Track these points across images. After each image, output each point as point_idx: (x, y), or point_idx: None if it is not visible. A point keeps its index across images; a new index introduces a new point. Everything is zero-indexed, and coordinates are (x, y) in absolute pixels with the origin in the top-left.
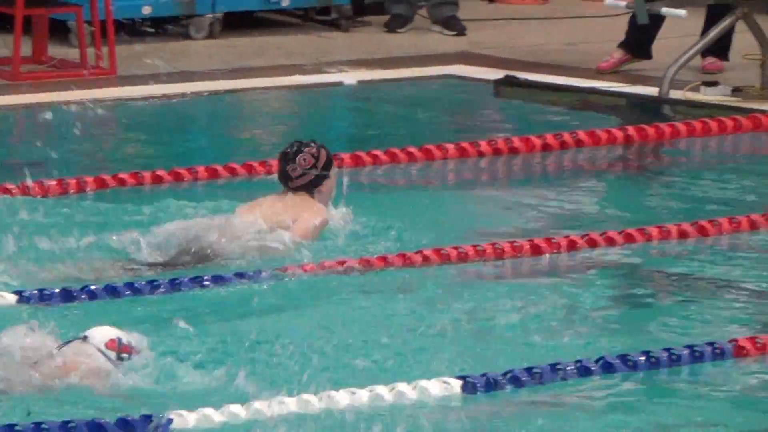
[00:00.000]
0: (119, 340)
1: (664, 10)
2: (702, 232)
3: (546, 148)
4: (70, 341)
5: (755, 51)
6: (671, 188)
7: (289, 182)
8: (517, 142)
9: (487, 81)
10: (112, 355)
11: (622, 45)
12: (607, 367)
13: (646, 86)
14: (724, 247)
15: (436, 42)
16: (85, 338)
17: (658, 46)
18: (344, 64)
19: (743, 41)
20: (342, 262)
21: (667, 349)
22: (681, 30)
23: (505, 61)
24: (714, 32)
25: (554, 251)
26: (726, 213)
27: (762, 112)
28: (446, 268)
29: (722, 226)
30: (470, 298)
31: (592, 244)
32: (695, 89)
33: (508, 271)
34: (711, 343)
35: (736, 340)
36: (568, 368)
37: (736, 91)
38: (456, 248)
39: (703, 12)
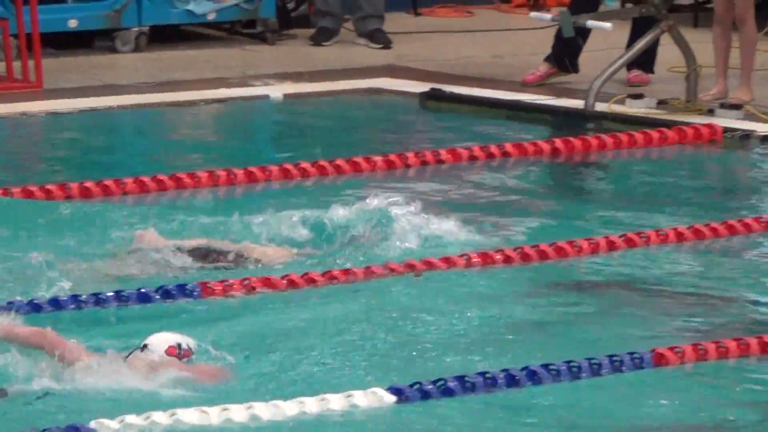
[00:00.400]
0: (179, 345)
1: (590, 22)
2: (630, 243)
3: (472, 159)
4: (130, 352)
5: (680, 64)
6: (598, 201)
7: None
8: (443, 154)
9: (413, 94)
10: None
11: (549, 58)
12: (532, 376)
13: (572, 99)
14: (652, 259)
15: (362, 55)
16: (144, 347)
17: (584, 59)
18: (270, 78)
19: (668, 54)
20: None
21: (589, 359)
22: (607, 43)
23: (431, 74)
24: (639, 45)
25: (488, 264)
26: (652, 225)
27: (687, 124)
28: (373, 282)
29: (650, 238)
30: (399, 310)
31: (525, 258)
32: (621, 102)
33: (437, 284)
34: (631, 353)
35: (655, 350)
36: (498, 377)
37: (661, 103)
38: (384, 265)
39: (628, 25)
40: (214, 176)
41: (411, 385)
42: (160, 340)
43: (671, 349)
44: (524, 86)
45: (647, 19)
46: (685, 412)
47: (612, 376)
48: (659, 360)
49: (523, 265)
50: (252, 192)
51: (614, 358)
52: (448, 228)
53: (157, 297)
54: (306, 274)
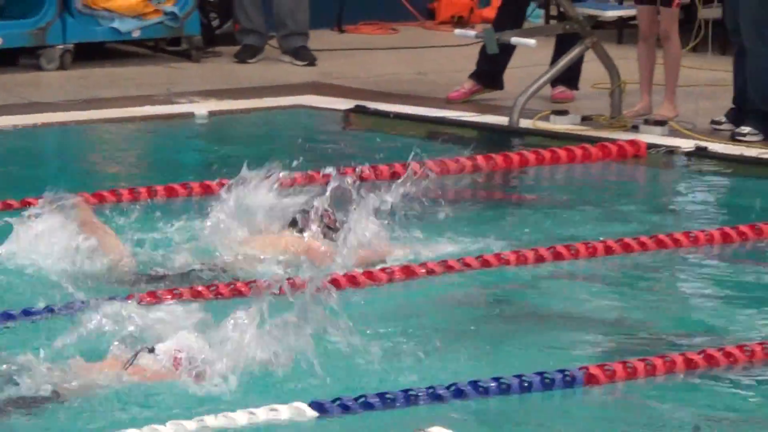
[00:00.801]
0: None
1: (514, 39)
2: (558, 257)
3: (395, 177)
4: (136, 353)
5: (604, 80)
6: (524, 216)
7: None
8: (366, 171)
9: (338, 111)
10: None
11: (473, 75)
12: (459, 394)
13: (497, 115)
14: (581, 273)
15: (286, 72)
16: (152, 350)
17: (508, 76)
18: (195, 95)
19: (592, 70)
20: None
21: (518, 376)
22: (531, 59)
23: (355, 91)
24: (563, 61)
25: (411, 277)
26: (580, 239)
27: (611, 141)
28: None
29: (579, 251)
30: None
31: (449, 268)
32: (545, 118)
33: (358, 299)
34: (562, 370)
35: (586, 368)
36: (420, 394)
37: (585, 120)
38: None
39: (552, 41)
40: (134, 192)
41: (333, 401)
42: (168, 347)
43: (601, 366)
44: (449, 103)
45: (571, 35)
46: (615, 430)
47: (541, 393)
48: (590, 379)
49: (447, 279)
50: (173, 208)
51: (545, 376)
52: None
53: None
54: (232, 284)
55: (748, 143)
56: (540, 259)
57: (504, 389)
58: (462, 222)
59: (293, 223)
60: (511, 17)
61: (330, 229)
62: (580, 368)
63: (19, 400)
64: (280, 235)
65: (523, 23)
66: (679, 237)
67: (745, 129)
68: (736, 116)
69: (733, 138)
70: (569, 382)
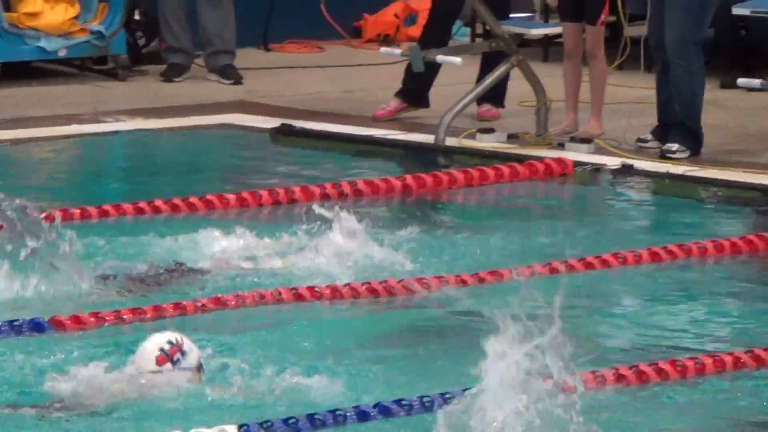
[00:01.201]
0: (162, 350)
1: (440, 57)
2: (481, 281)
3: (325, 197)
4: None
5: (530, 98)
6: (449, 237)
7: None
8: (297, 191)
9: (264, 129)
10: (168, 367)
11: (399, 93)
12: (385, 411)
13: (423, 134)
14: (503, 295)
15: (213, 91)
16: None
17: (434, 94)
18: (121, 114)
19: (519, 88)
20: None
21: (443, 394)
22: (457, 77)
23: (282, 110)
24: (489, 79)
25: (336, 298)
26: (503, 263)
27: (538, 158)
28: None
29: (503, 276)
30: (246, 344)
31: (373, 292)
32: (471, 136)
33: (283, 317)
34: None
35: None
36: (348, 413)
37: (511, 137)
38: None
39: (478, 59)
40: (67, 213)
41: (260, 424)
42: (146, 356)
43: None
44: (375, 121)
45: (497, 53)
46: None
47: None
48: None
49: (371, 301)
50: (104, 228)
51: (446, 395)
52: (303, 263)
53: None
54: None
55: (677, 160)
56: (463, 283)
57: (428, 407)
58: (383, 245)
59: None
60: (436, 35)
61: None
62: None
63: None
64: None
65: (448, 41)
66: (608, 258)
67: (674, 146)
68: (662, 133)
69: (663, 155)
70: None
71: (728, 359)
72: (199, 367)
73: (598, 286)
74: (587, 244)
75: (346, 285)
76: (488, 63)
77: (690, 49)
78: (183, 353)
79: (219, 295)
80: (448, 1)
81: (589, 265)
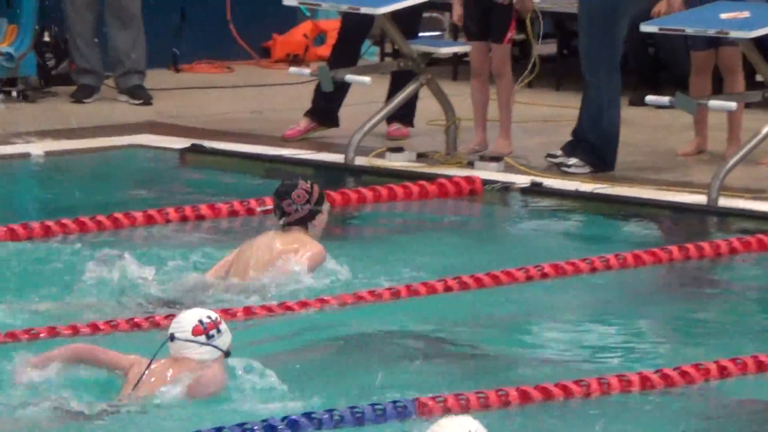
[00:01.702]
0: (201, 322)
1: (349, 77)
2: (396, 295)
3: (233, 214)
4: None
5: (440, 117)
6: (363, 256)
7: (285, 217)
8: (204, 209)
9: (175, 150)
10: (202, 339)
11: (309, 113)
12: (293, 425)
13: (333, 153)
14: (419, 310)
15: (123, 111)
16: (172, 337)
17: (344, 113)
18: (31, 135)
19: (428, 107)
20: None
21: (351, 408)
22: (366, 97)
23: (192, 130)
24: (398, 99)
25: (249, 316)
26: (416, 278)
27: (447, 177)
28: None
29: (418, 291)
30: None
31: (288, 309)
32: (381, 155)
33: None
34: (394, 401)
35: (418, 399)
36: (255, 428)
37: (421, 156)
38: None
39: (387, 79)
40: None
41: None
42: (184, 324)
43: (434, 398)
44: (285, 141)
45: (406, 72)
46: None
47: (374, 425)
48: (422, 409)
49: (286, 318)
50: (16, 249)
51: (376, 407)
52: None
53: None
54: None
55: (573, 175)
56: (378, 297)
57: (338, 420)
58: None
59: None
60: (346, 55)
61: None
62: (414, 399)
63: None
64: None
65: (357, 61)
66: (514, 272)
67: (572, 160)
68: (571, 149)
69: (560, 169)
70: (402, 412)
71: (635, 378)
72: (227, 353)
73: (505, 301)
74: (495, 260)
75: (262, 306)
76: (397, 82)
77: (598, 66)
78: (219, 331)
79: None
80: (357, 21)
81: (495, 279)
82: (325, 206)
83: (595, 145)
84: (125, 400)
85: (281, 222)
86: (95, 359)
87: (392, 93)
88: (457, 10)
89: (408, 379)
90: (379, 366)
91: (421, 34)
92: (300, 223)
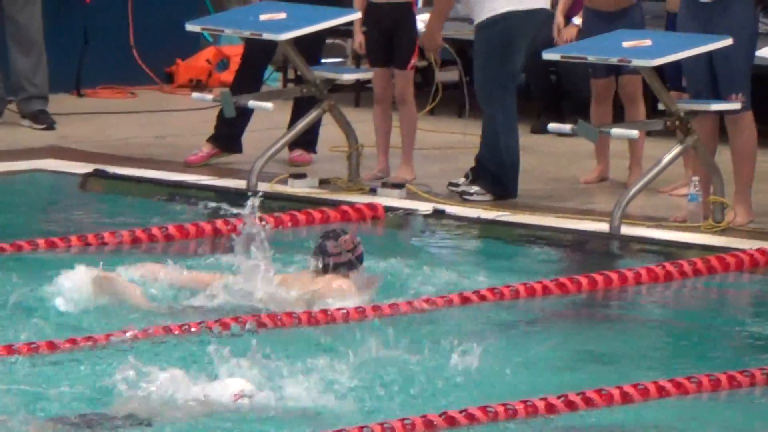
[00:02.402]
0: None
1: (251, 103)
2: (312, 321)
3: (135, 241)
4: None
5: (342, 143)
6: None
7: (325, 258)
8: (107, 236)
9: (77, 175)
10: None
11: (211, 138)
12: None
13: (235, 179)
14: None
15: (25, 136)
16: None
17: (247, 139)
18: None
19: (330, 133)
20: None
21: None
22: (269, 123)
23: (95, 155)
24: (301, 125)
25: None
26: None
27: (349, 204)
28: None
29: (300, 320)
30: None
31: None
32: (283, 182)
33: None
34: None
35: None
36: None
37: (323, 183)
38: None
39: (290, 105)
40: None
41: None
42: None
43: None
44: (187, 167)
45: (308, 98)
46: None
47: None
48: None
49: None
50: None
51: None
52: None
53: None
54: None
55: (474, 203)
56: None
57: None
58: None
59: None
60: (248, 81)
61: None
62: None
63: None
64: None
65: (261, 86)
66: (419, 304)
67: (473, 188)
68: (474, 176)
69: (461, 197)
70: None
71: (540, 404)
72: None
73: (406, 330)
74: (397, 288)
75: (162, 326)
76: (300, 108)
77: (493, 93)
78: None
79: None
80: (260, 47)
81: (394, 308)
82: (362, 267)
83: (495, 174)
84: None
85: (319, 264)
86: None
87: (294, 119)
88: (359, 37)
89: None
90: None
91: (323, 61)
92: (338, 268)
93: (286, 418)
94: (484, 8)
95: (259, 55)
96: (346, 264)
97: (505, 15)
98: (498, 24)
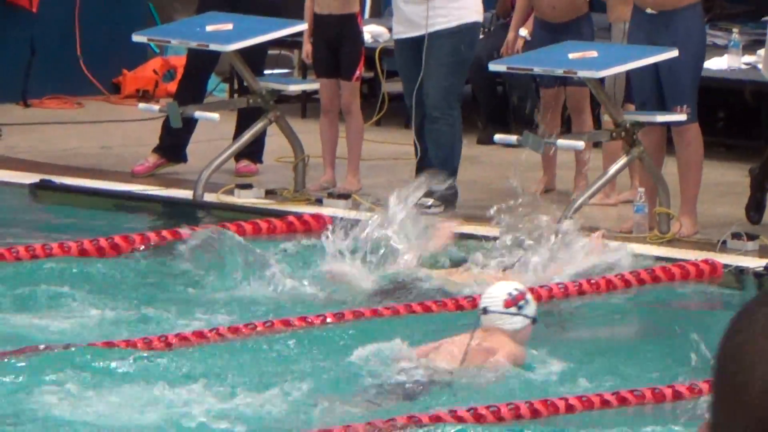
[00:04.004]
0: (510, 294)
1: (198, 114)
2: (236, 332)
3: (83, 253)
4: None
5: (288, 154)
6: (200, 288)
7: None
8: (54, 247)
9: (24, 185)
10: (513, 310)
11: (157, 149)
12: None
13: (181, 189)
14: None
15: None
16: (485, 311)
17: (193, 150)
18: None
19: (276, 144)
20: None
21: None
22: (215, 133)
23: (41, 165)
24: (247, 136)
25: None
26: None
27: (295, 214)
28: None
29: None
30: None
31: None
32: (230, 192)
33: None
34: None
35: None
36: None
37: (269, 193)
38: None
39: (236, 115)
40: None
41: None
42: (496, 296)
43: None
44: (134, 177)
45: (252, 109)
46: None
47: None
48: None
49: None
50: None
51: None
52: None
53: None
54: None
55: (432, 215)
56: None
57: None
58: (146, 298)
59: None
60: (191, 91)
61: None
62: None
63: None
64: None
65: (204, 96)
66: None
67: (429, 201)
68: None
69: (418, 209)
70: None
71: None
72: (535, 320)
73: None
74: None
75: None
76: (244, 119)
77: (452, 104)
78: (526, 301)
79: None
80: (202, 57)
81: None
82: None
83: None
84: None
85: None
86: None
87: (239, 130)
88: (307, 47)
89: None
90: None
91: (270, 72)
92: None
93: None
94: (450, 15)
95: (200, 66)
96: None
97: (470, 25)
98: (465, 33)
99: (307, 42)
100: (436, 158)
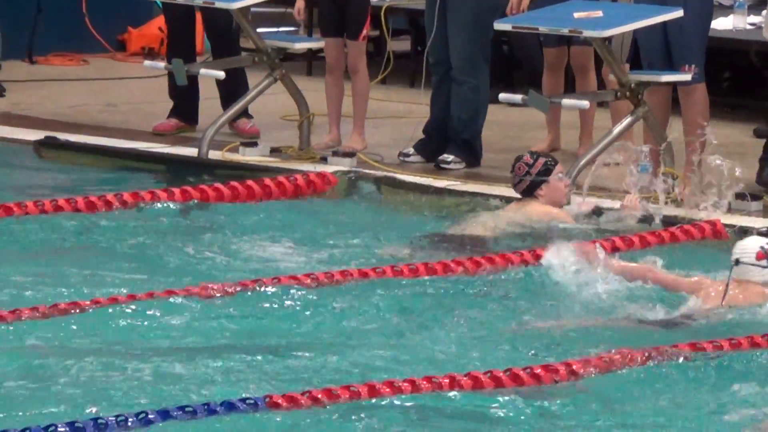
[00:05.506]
0: (763, 248)
1: (203, 71)
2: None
3: (91, 208)
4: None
5: (293, 112)
6: (215, 250)
7: (515, 188)
8: (62, 202)
9: (29, 142)
10: (764, 263)
11: (175, 113)
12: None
13: (187, 147)
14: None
15: None
16: (737, 262)
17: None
18: None
19: (281, 102)
20: None
21: (206, 404)
22: (214, 92)
23: (46, 122)
24: (253, 93)
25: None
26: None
27: (301, 172)
28: None
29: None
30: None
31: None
32: (234, 150)
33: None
34: (244, 399)
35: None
36: (109, 420)
37: (274, 151)
38: None
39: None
40: None
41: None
42: (748, 248)
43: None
44: (157, 135)
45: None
46: None
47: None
48: (273, 406)
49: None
50: None
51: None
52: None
53: None
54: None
55: (451, 170)
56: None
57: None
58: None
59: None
60: (178, 49)
61: None
62: (264, 396)
63: None
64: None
65: (194, 53)
66: (367, 271)
67: (449, 157)
68: (425, 147)
69: (437, 166)
70: (253, 408)
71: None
72: None
73: (361, 297)
74: (352, 255)
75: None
76: (226, 79)
77: (478, 67)
78: None
79: None
80: (177, 15)
81: (363, 274)
82: (554, 176)
83: (469, 142)
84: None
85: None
86: (655, 279)
87: (222, 90)
88: (299, 4)
89: (256, 376)
90: (224, 363)
91: (275, 29)
92: (527, 193)
93: None
94: None
95: (179, 24)
96: (530, 187)
97: None
98: None
99: None
100: (459, 120)
